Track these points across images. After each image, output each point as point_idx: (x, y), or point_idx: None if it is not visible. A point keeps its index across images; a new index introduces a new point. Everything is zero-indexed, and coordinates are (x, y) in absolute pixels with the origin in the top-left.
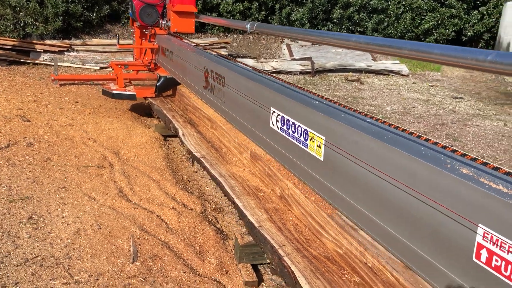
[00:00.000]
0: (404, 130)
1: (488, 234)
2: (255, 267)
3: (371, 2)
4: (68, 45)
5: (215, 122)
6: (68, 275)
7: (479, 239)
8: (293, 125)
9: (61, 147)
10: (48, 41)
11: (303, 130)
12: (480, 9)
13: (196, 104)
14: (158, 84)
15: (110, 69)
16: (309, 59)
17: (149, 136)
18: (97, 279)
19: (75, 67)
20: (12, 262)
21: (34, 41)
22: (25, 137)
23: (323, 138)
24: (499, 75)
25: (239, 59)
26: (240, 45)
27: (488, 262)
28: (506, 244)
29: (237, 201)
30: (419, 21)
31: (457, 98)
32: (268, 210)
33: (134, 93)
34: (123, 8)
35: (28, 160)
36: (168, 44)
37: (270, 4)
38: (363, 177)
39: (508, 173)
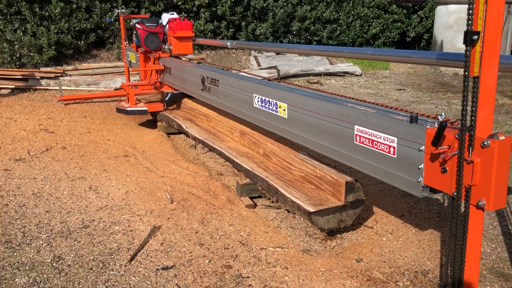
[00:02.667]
0: (333, 94)
1: (359, 129)
2: (251, 199)
3: (324, 14)
4: (62, 71)
5: (210, 116)
6: (132, 213)
7: (355, 132)
8: (268, 102)
9: (89, 147)
10: (43, 69)
11: (274, 103)
12: (418, 13)
13: (191, 106)
14: (166, 99)
15: (102, 88)
16: (274, 67)
17: (155, 134)
18: (152, 212)
19: (70, 89)
20: (92, 209)
21: (33, 70)
22: (57, 143)
23: (286, 104)
24: (438, 69)
25: None
26: (213, 59)
27: (361, 141)
28: (365, 131)
29: (235, 160)
30: (367, 27)
31: (401, 90)
32: (256, 162)
33: (146, 109)
34: (107, 35)
35: (69, 157)
36: (171, 64)
37: (236, 22)
38: (311, 121)
39: (368, 103)
